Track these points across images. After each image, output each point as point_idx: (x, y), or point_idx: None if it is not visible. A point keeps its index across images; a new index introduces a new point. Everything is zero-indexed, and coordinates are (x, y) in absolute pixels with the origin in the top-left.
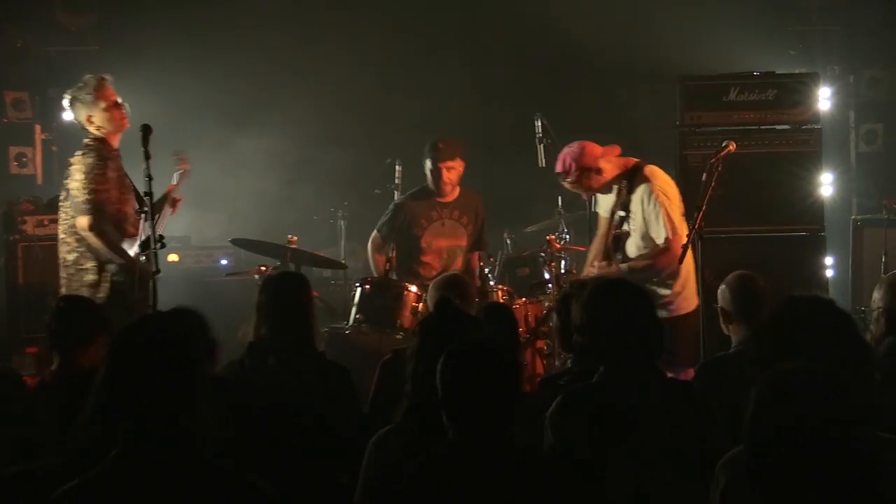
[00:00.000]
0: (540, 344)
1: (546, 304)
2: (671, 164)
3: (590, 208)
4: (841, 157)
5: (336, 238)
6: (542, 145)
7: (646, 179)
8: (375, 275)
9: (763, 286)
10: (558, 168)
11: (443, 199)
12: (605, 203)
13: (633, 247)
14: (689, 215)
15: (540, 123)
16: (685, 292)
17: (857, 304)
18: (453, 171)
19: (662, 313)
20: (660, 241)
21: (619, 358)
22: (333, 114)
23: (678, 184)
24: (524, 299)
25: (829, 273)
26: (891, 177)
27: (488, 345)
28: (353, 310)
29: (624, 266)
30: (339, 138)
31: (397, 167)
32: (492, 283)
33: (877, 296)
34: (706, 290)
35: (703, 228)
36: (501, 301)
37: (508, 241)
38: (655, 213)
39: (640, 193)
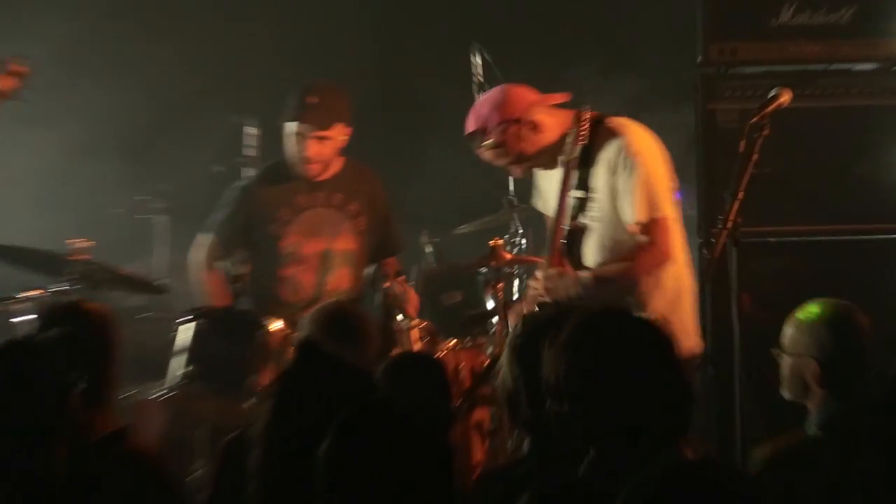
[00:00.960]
0: (479, 415)
1: (490, 349)
2: (687, 126)
3: None
4: None
5: (149, 243)
6: (479, 95)
7: (612, 135)
8: (211, 304)
9: (868, 328)
10: (470, 126)
11: (311, 177)
12: (547, 186)
13: (595, 247)
14: (715, 207)
15: (479, 60)
16: (674, 321)
17: None
18: (327, 143)
19: None
20: (636, 229)
21: (623, 440)
22: (150, 47)
23: (699, 154)
24: (453, 342)
25: None
26: None
27: (394, 420)
28: (180, 361)
29: (584, 275)
30: (156, 84)
31: (249, 131)
32: (399, 316)
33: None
34: (745, 325)
35: (740, 228)
36: (416, 345)
37: (428, 250)
38: (629, 185)
39: (604, 160)
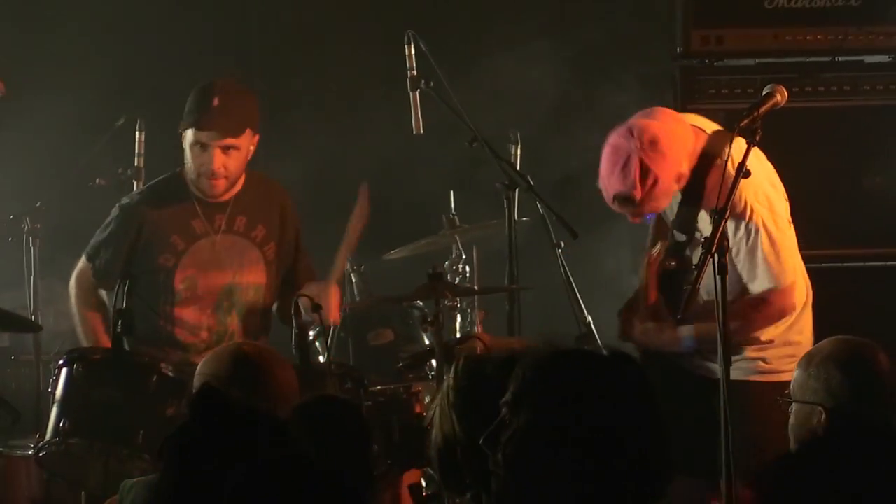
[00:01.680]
0: (411, 476)
1: (427, 398)
2: None
3: (511, 218)
4: None
5: (20, 273)
6: (416, 92)
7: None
8: (90, 344)
9: (889, 367)
10: (630, 189)
11: (213, 197)
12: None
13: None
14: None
15: (413, 50)
16: (793, 341)
17: None
18: (234, 154)
19: (742, 373)
20: (757, 289)
21: None
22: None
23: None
24: (383, 389)
25: None
26: None
27: (297, 483)
28: (55, 412)
29: (685, 332)
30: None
31: (138, 135)
32: (321, 357)
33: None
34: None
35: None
36: (338, 393)
37: (354, 280)
38: (750, 241)
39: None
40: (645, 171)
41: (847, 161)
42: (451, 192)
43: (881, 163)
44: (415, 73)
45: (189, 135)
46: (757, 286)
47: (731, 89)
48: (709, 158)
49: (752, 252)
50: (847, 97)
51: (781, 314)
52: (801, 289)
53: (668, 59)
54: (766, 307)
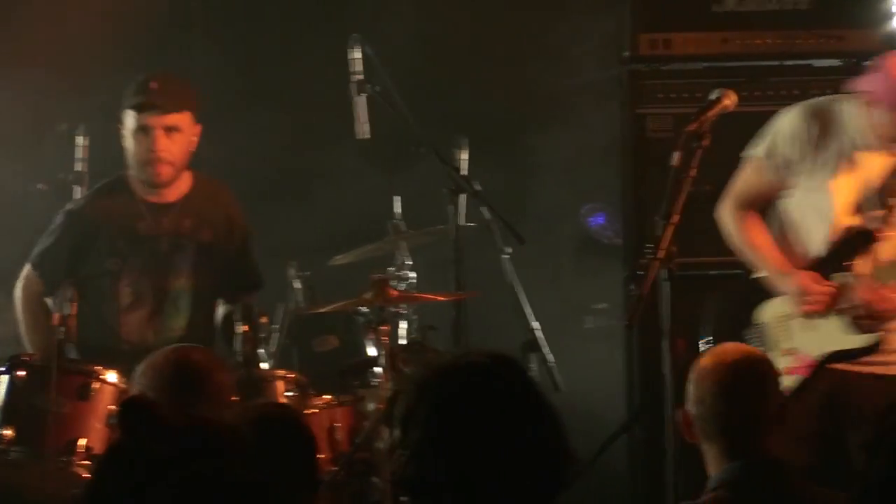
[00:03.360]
0: (358, 486)
1: (372, 406)
2: (609, 134)
3: (457, 224)
4: None
5: None
6: (360, 97)
7: None
8: (34, 351)
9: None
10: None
11: (158, 198)
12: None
13: None
14: (644, 233)
15: (359, 55)
16: None
17: None
18: (176, 137)
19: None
20: None
21: None
22: None
23: (625, 168)
24: (328, 398)
25: None
26: None
27: (233, 492)
28: None
29: None
30: None
31: (80, 140)
32: (265, 364)
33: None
34: (679, 373)
35: (674, 258)
36: (283, 400)
37: (297, 286)
38: None
39: None
40: None
41: None
42: (397, 198)
43: None
44: (360, 77)
45: (130, 121)
46: None
47: (680, 93)
48: None
49: None
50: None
51: None
52: None
53: (617, 63)
54: None
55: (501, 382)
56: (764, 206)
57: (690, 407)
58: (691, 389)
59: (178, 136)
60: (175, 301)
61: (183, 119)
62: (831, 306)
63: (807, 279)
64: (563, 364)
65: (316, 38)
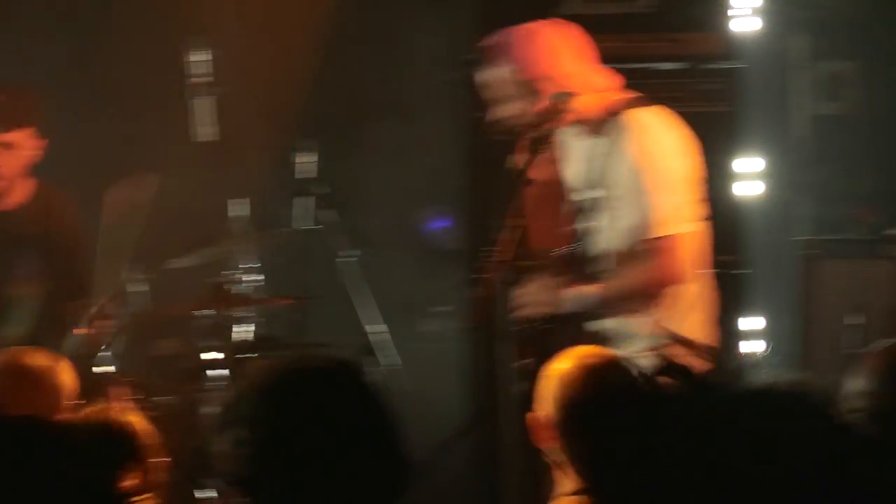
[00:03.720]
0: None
1: (210, 409)
2: (452, 138)
3: (299, 226)
4: (780, 126)
5: None
6: (202, 99)
7: (623, 125)
8: None
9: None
10: (494, 39)
11: None
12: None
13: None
14: (485, 236)
15: (201, 57)
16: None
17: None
18: (12, 152)
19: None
20: (645, 234)
21: None
22: None
23: (466, 171)
24: (168, 401)
25: (759, 345)
26: (873, 162)
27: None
28: None
29: (589, 292)
30: None
31: None
32: (106, 367)
33: (858, 386)
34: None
35: (515, 262)
36: (122, 404)
37: (136, 289)
38: (635, 184)
39: (612, 150)
40: None
41: None
42: (240, 200)
43: None
44: (202, 78)
45: None
46: (643, 226)
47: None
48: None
49: (638, 191)
50: None
51: (678, 258)
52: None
53: (458, 64)
54: (662, 251)
55: (338, 385)
56: None
57: (548, 410)
58: (551, 393)
59: (12, 152)
60: (15, 307)
61: (17, 136)
62: None
63: None
64: (405, 367)
65: (157, 38)
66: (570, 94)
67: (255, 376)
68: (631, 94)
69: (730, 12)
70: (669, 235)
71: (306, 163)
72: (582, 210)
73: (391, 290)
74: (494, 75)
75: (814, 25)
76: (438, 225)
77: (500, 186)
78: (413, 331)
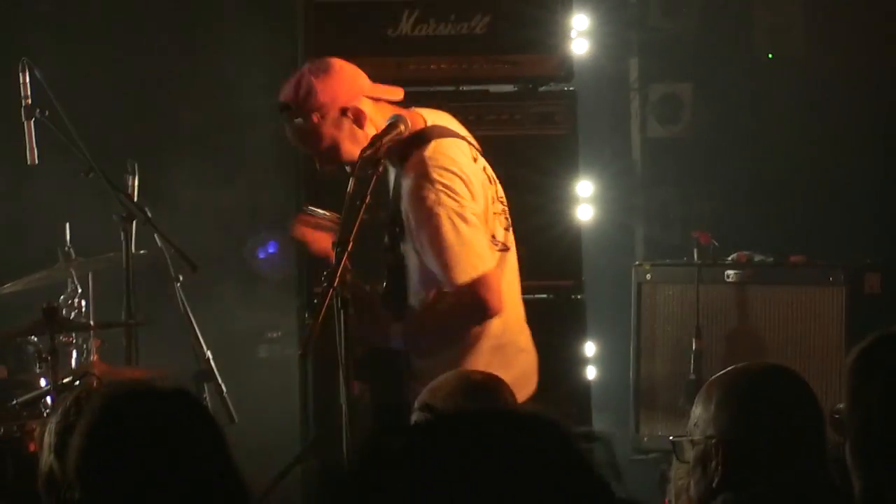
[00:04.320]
0: None
1: (40, 437)
2: (285, 162)
3: (128, 251)
4: (616, 147)
5: None
6: (30, 121)
7: (419, 159)
8: None
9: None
10: (287, 94)
11: None
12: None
13: (415, 284)
14: (318, 261)
15: (27, 78)
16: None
17: (646, 420)
18: None
19: None
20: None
21: None
22: None
23: (299, 195)
24: None
25: (590, 372)
26: (709, 183)
27: None
28: None
29: (394, 328)
30: None
31: None
32: None
33: (700, 414)
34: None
35: (350, 285)
36: None
37: None
38: (424, 226)
39: (406, 186)
40: None
41: None
42: (67, 226)
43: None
44: (29, 101)
45: None
46: (441, 275)
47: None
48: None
49: (428, 235)
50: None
51: (483, 301)
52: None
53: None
54: (464, 295)
55: (170, 413)
56: None
57: None
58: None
59: None
60: None
61: None
62: None
63: None
64: (238, 394)
65: None
66: (400, 115)
67: (86, 404)
68: (422, 125)
69: (567, 34)
70: (471, 279)
71: (134, 186)
72: (391, 245)
73: (225, 316)
74: (306, 127)
75: (646, 48)
76: (269, 251)
77: (337, 210)
78: (247, 357)
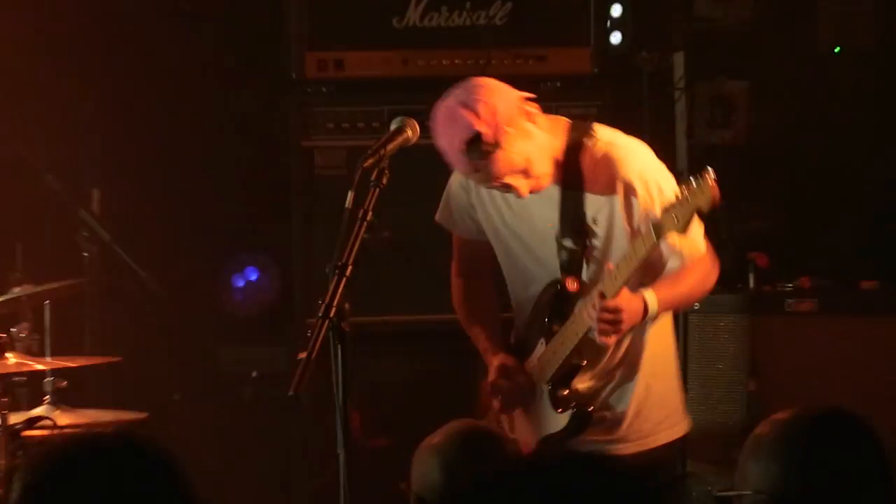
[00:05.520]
0: None
1: None
2: (274, 172)
3: (93, 276)
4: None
5: None
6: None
7: (609, 159)
8: None
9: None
10: (463, 130)
11: None
12: (489, 208)
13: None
14: (314, 286)
15: None
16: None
17: (693, 472)
18: None
19: (614, 445)
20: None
21: None
22: None
23: (295, 210)
24: None
25: None
26: (766, 198)
27: None
28: None
29: (655, 295)
30: None
31: None
32: None
33: (749, 467)
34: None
35: (349, 317)
36: None
37: None
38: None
39: (603, 187)
40: None
41: None
42: (18, 247)
43: None
44: None
45: None
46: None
47: (354, 123)
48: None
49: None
50: None
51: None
52: None
53: (282, 86)
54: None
55: (127, 462)
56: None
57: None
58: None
59: None
60: None
61: None
62: (513, 405)
63: (496, 369)
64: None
65: None
66: (407, 119)
67: (40, 451)
68: (565, 127)
69: (600, 25)
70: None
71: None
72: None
73: (203, 352)
74: (506, 150)
75: (693, 41)
76: (249, 278)
77: (333, 228)
78: (231, 397)
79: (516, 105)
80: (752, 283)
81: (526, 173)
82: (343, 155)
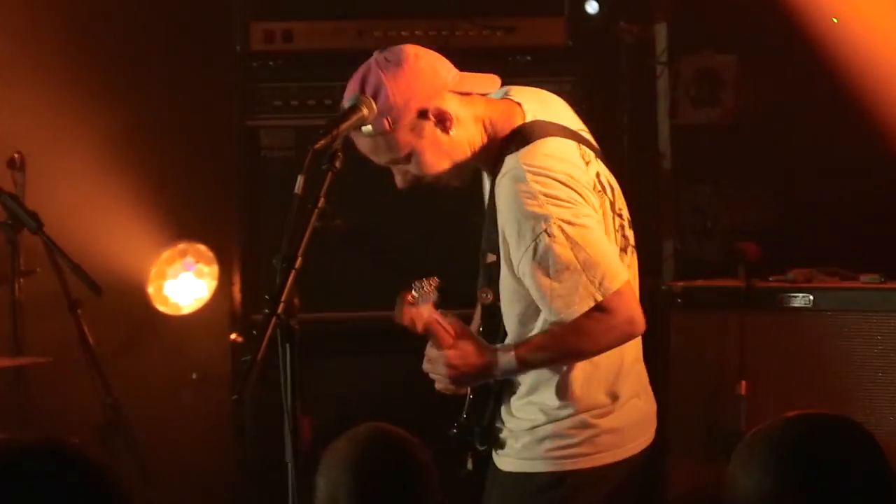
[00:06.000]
0: None
1: None
2: (216, 154)
3: (16, 269)
4: (638, 137)
5: None
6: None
7: (513, 164)
8: None
9: (421, 461)
10: (352, 92)
11: None
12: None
13: (508, 306)
14: (260, 280)
15: None
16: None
17: (677, 482)
18: None
19: (537, 464)
20: (550, 317)
21: None
22: None
23: (239, 196)
24: None
25: None
26: (757, 182)
27: None
28: None
29: (505, 358)
30: None
31: None
32: None
33: (739, 477)
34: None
35: (298, 313)
36: None
37: None
38: (528, 255)
39: (500, 200)
40: None
41: (455, 194)
42: None
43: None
44: None
45: None
46: (546, 309)
47: (303, 100)
48: None
49: (532, 264)
50: None
51: (607, 328)
52: None
53: (225, 61)
54: (580, 326)
55: (51, 475)
56: None
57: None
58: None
59: None
60: None
61: None
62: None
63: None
64: (156, 448)
65: None
66: (362, 96)
67: None
68: (519, 121)
69: None
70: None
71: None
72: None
73: (135, 351)
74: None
75: (677, 10)
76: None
77: (280, 216)
78: (168, 401)
79: (422, 96)
80: (741, 276)
81: (403, 164)
82: (292, 135)
